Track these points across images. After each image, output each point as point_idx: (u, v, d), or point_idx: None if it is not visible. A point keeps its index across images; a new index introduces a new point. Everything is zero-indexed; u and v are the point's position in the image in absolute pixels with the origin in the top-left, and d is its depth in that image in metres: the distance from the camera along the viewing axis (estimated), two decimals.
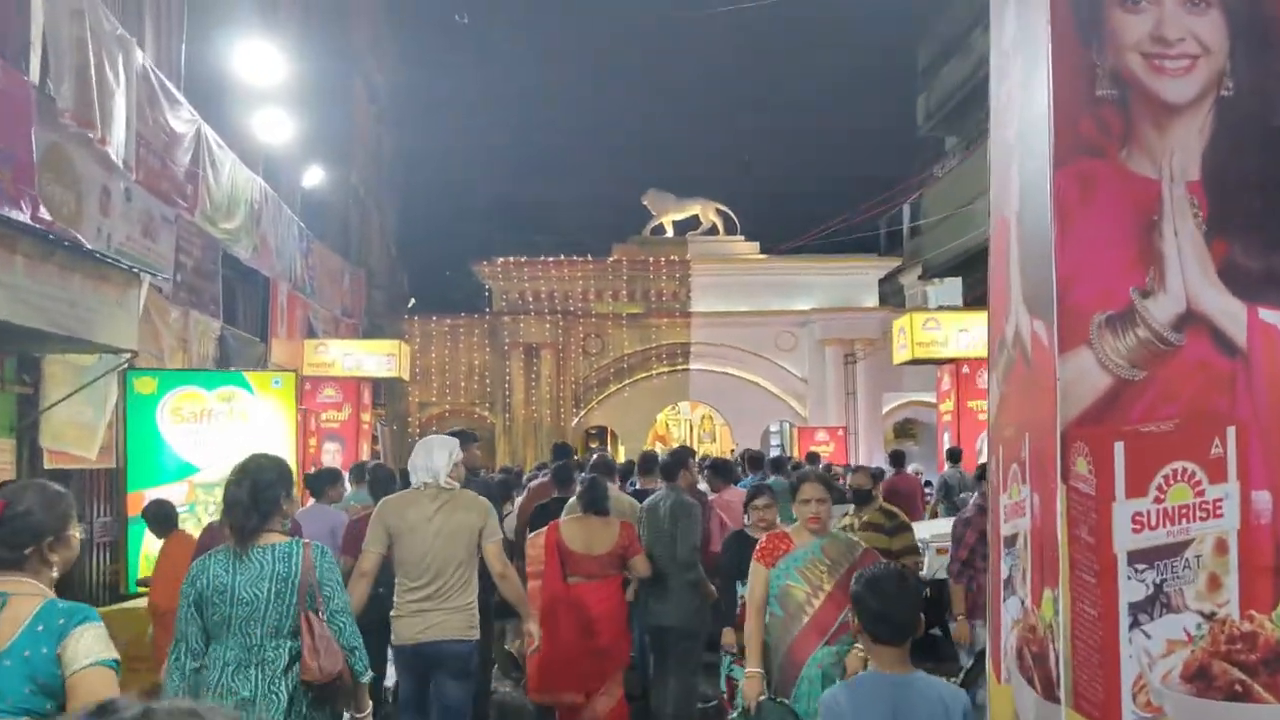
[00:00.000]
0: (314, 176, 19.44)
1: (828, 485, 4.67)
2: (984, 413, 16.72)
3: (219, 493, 5.62)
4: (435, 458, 4.88)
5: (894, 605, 2.84)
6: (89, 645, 2.47)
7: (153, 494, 7.50)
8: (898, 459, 12.28)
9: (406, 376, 19.14)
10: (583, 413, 24.13)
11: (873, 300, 24.70)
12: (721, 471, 8.51)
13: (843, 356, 23.50)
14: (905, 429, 26.92)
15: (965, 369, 15.44)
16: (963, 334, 15.59)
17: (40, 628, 2.47)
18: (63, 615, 2.50)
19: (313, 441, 15.43)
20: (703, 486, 8.27)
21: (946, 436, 15.85)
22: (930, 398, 24.36)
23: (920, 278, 27.89)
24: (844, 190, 26.10)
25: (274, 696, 3.38)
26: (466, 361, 23.88)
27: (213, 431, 8.52)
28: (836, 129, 31.08)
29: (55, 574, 2.67)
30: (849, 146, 30.20)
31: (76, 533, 2.76)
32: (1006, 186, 2.82)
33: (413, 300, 32.21)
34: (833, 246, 25.75)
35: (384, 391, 23.89)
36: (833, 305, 23.77)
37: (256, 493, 3.50)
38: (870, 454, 23.06)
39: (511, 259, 24.15)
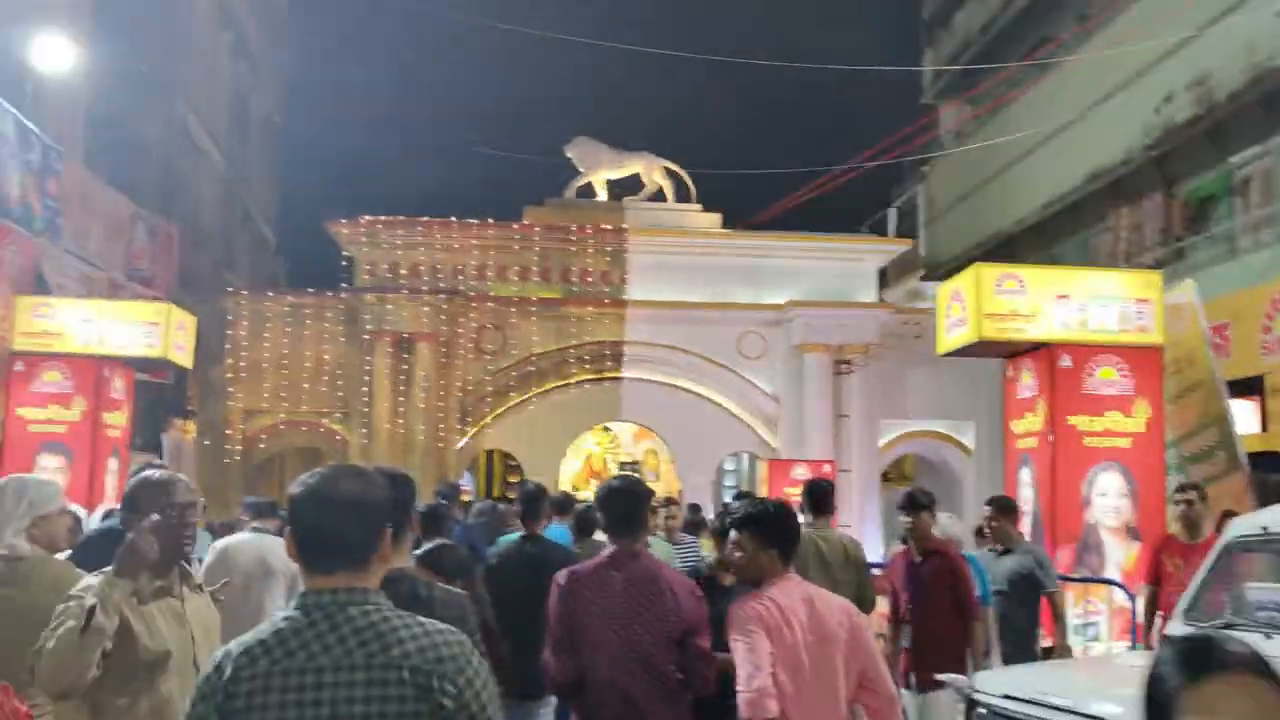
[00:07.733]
0: (54, 55, 12.87)
1: None
2: (1097, 435, 10.35)
3: None
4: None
5: None
6: None
7: None
8: (914, 503, 6.02)
9: (185, 360, 12.54)
10: (473, 431, 17.57)
11: (870, 295, 18.44)
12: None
13: (830, 367, 17.18)
14: (898, 470, 20.69)
15: (1066, 360, 9.20)
16: (1062, 301, 9.35)
17: None
18: None
19: None
20: None
21: (1025, 473, 9.58)
22: (943, 428, 18.30)
23: (923, 279, 21.82)
24: (828, 158, 20.31)
25: None
26: (313, 355, 17.29)
27: None
28: (825, 85, 25.08)
29: None
30: (838, 108, 24.25)
31: None
32: None
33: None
34: (815, 225, 19.60)
35: (198, 393, 17.41)
36: (818, 299, 17.50)
37: None
38: (863, 502, 16.78)
39: (381, 218, 17.52)
